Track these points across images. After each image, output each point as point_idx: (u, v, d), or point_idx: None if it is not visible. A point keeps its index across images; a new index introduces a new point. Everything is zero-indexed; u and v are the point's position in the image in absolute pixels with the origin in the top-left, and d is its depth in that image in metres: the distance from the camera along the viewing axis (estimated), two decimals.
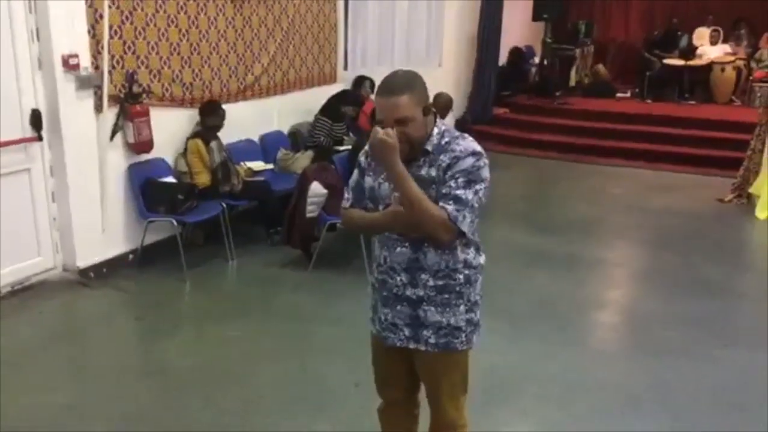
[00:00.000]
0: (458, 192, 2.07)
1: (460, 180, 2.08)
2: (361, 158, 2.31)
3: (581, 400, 3.50)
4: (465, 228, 2.09)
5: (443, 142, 2.15)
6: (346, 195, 2.34)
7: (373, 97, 7.01)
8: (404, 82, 2.10)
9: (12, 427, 3.15)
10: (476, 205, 2.10)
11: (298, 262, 5.24)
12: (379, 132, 2.04)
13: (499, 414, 3.32)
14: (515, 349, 3.99)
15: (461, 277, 2.22)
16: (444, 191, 2.08)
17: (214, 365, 3.83)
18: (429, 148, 2.14)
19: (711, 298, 4.79)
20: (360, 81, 7.22)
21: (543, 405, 3.46)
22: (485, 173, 2.12)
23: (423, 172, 2.13)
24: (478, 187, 2.10)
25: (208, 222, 5.28)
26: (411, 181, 2.06)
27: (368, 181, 2.25)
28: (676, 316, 4.49)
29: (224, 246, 5.29)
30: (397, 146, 2.02)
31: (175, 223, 5.02)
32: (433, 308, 2.22)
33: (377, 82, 7.90)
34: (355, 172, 2.33)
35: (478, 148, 2.15)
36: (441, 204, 2.07)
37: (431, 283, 2.20)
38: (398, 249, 2.20)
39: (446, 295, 2.22)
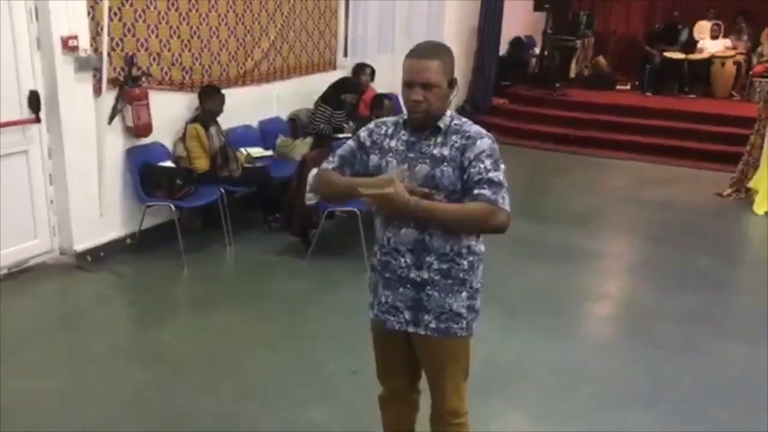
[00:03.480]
0: (491, 175, 2.09)
1: (488, 162, 2.10)
2: (362, 133, 2.29)
3: (578, 391, 3.51)
4: (507, 207, 2.11)
5: (453, 124, 2.18)
6: (330, 158, 2.32)
7: (373, 84, 7.10)
8: (437, 49, 2.15)
9: (8, 411, 3.15)
10: (506, 184, 2.13)
11: (296, 249, 5.23)
12: (379, 190, 2.03)
13: (496, 403, 3.33)
14: (512, 340, 3.99)
15: (465, 263, 2.22)
16: (476, 178, 2.09)
17: (211, 351, 3.83)
18: (441, 126, 2.16)
19: (709, 292, 4.80)
20: (360, 68, 7.19)
21: (540, 395, 3.47)
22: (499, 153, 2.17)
23: (435, 150, 2.15)
24: (503, 167, 2.14)
25: (206, 207, 5.26)
26: (439, 208, 2.08)
27: (374, 159, 2.23)
28: (673, 309, 4.50)
29: (222, 232, 5.27)
30: (399, 194, 2.03)
31: (173, 207, 5.00)
32: (436, 293, 2.21)
33: (378, 70, 7.79)
34: (352, 143, 2.31)
35: (488, 133, 2.19)
36: (476, 191, 2.08)
37: (436, 266, 2.19)
38: (404, 229, 2.18)
39: (450, 281, 2.21)
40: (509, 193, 2.14)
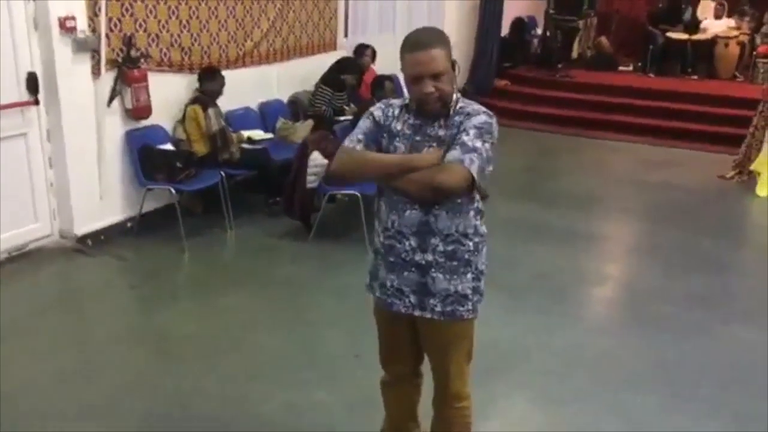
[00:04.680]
0: (465, 138, 2.06)
1: (472, 132, 2.08)
2: (377, 112, 2.23)
3: (580, 373, 3.51)
4: (474, 170, 2.03)
5: (458, 107, 2.17)
6: (352, 137, 2.22)
7: (374, 66, 7.03)
8: (435, 36, 2.12)
9: (10, 394, 3.14)
10: (484, 154, 2.06)
11: (298, 232, 5.21)
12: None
13: (498, 386, 3.33)
14: (514, 322, 3.99)
15: (471, 244, 2.21)
16: (454, 142, 2.08)
17: (213, 334, 3.82)
18: (450, 110, 2.15)
19: (711, 275, 4.79)
20: (361, 49, 7.11)
21: (542, 378, 3.47)
22: (495, 131, 2.13)
23: (441, 132, 2.14)
24: (486, 137, 2.09)
25: (206, 191, 5.23)
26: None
27: (382, 142, 2.21)
28: (675, 292, 4.49)
29: (223, 215, 5.25)
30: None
31: (173, 191, 4.97)
32: (440, 275, 2.20)
33: (378, 51, 7.68)
34: (369, 121, 2.23)
35: (489, 112, 2.17)
36: (448, 153, 2.06)
37: (441, 248, 2.18)
38: (408, 212, 2.16)
39: (455, 262, 2.20)
40: (481, 160, 2.05)
